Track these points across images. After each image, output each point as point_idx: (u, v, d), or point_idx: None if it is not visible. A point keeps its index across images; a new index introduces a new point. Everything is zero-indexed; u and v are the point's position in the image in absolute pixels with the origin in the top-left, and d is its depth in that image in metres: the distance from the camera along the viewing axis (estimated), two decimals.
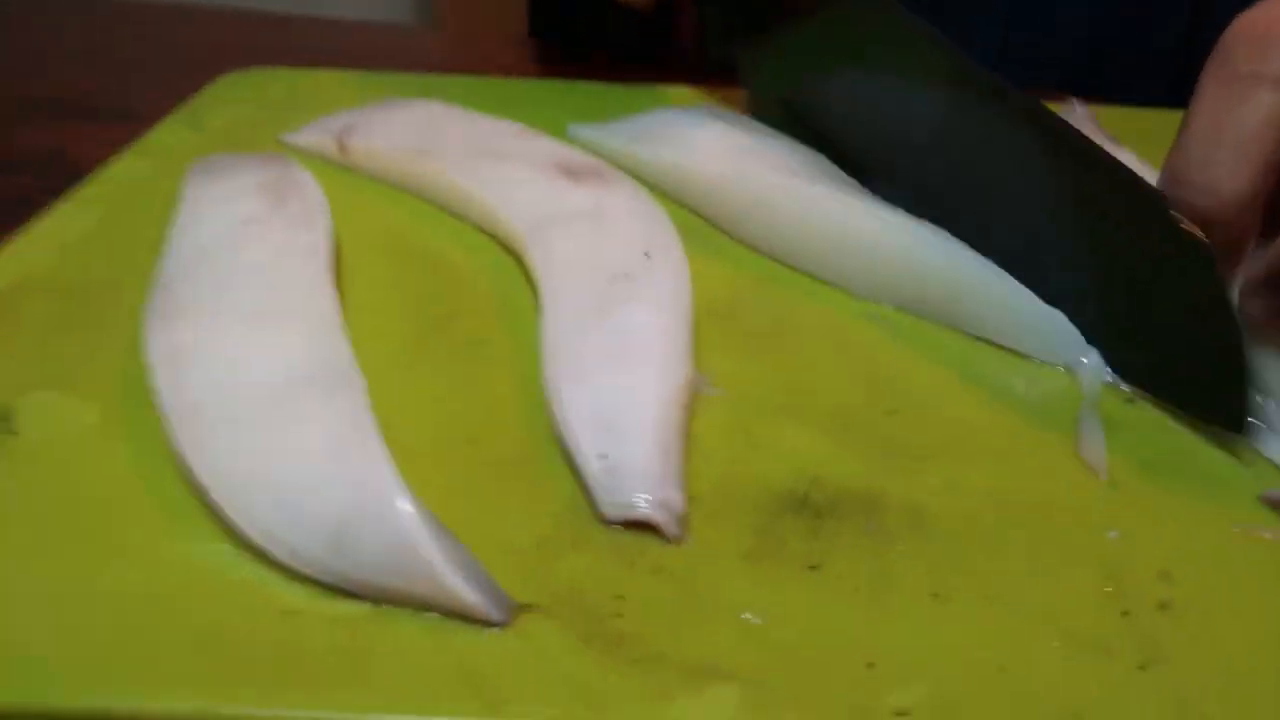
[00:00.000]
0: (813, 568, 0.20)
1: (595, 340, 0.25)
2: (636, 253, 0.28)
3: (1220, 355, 0.24)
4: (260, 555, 0.20)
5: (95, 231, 0.32)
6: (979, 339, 0.28)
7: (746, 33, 0.37)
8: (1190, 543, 0.22)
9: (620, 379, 0.24)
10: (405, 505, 0.19)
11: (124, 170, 0.36)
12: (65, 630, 0.19)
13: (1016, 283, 0.28)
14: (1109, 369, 0.27)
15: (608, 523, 0.21)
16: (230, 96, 0.42)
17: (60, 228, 0.32)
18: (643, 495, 0.21)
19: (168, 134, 0.39)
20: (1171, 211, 0.24)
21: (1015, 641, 0.19)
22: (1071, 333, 0.27)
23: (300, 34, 0.57)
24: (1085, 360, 0.27)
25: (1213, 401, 0.25)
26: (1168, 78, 0.47)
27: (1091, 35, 0.48)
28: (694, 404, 0.25)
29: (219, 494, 0.21)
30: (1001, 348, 0.28)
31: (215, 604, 0.19)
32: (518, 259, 0.30)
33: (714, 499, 0.22)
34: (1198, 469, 0.24)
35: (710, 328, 0.28)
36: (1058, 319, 0.27)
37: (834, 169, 0.33)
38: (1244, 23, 0.24)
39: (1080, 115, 0.38)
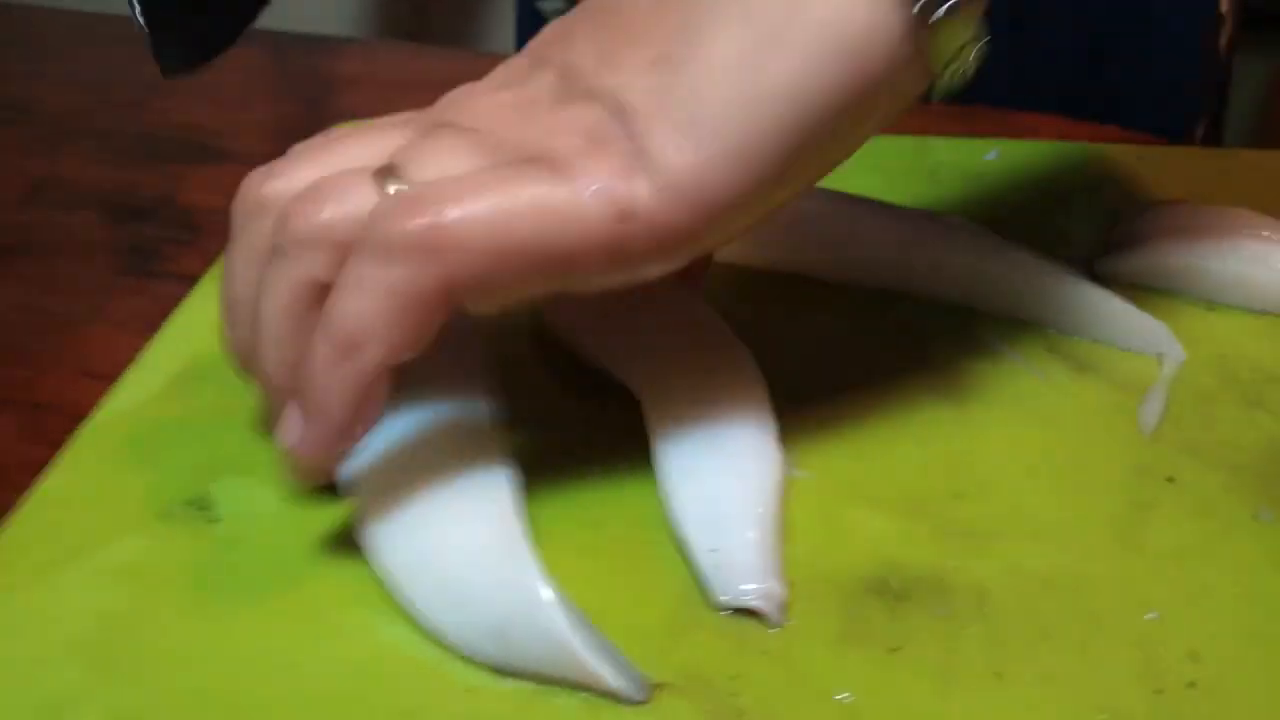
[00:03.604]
0: (893, 650, 0.24)
1: (698, 435, 0.29)
2: (722, 346, 0.32)
3: None
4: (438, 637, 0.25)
5: None
6: (1047, 430, 0.31)
7: None
8: (1219, 625, 0.25)
9: (725, 476, 0.28)
10: (555, 610, 0.23)
11: None
12: (269, 703, 0.23)
13: (1100, 286, 0.33)
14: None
15: (719, 608, 0.25)
16: None
17: (212, 305, 0.36)
18: (750, 585, 0.25)
19: None
20: None
21: (1064, 719, 0.23)
22: (1159, 328, 0.32)
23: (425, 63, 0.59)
24: (1166, 352, 0.32)
25: None
26: None
27: None
28: (786, 489, 0.29)
29: (400, 585, 0.25)
30: (1066, 434, 0.31)
31: (404, 681, 0.24)
32: None
33: (806, 584, 0.26)
34: (1231, 553, 0.27)
35: (802, 406, 0.32)
36: (1143, 318, 0.32)
37: None
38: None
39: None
